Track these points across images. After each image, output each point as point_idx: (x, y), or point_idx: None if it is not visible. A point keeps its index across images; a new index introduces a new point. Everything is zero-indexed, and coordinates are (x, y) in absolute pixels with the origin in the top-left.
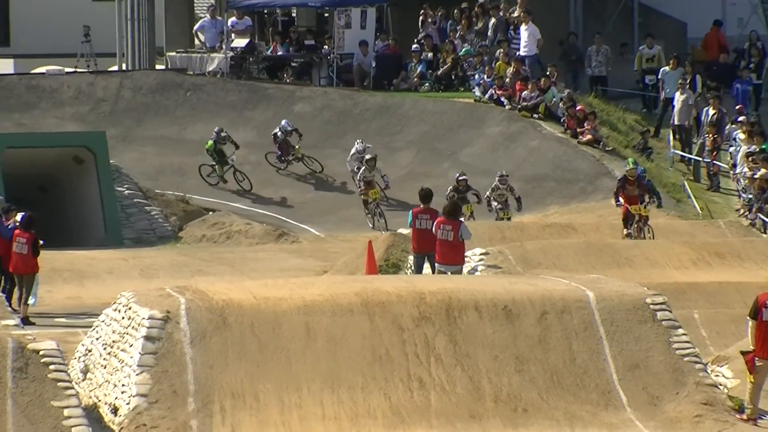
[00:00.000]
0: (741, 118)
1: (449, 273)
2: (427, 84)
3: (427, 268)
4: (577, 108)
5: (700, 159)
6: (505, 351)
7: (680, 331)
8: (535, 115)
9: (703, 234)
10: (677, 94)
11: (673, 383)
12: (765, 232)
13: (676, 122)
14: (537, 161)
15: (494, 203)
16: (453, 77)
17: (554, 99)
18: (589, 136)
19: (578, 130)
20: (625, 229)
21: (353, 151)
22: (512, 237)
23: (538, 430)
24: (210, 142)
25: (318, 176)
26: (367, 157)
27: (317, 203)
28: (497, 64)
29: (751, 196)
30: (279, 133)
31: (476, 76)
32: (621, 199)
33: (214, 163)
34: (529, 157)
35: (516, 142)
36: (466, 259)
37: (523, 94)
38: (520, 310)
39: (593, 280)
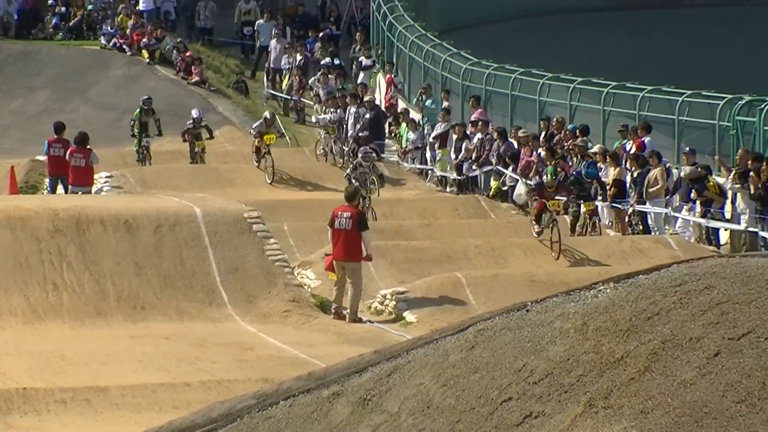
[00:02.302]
0: (324, 61)
1: (80, 193)
2: (60, 33)
3: (61, 189)
4: (187, 54)
5: (289, 97)
6: (126, 258)
7: (272, 240)
8: (152, 60)
9: (292, 160)
10: (273, 42)
11: (266, 284)
12: (343, 159)
13: (270, 66)
14: (154, 99)
15: (354, 182)
16: (83, 28)
17: (168, 47)
18: (196, 78)
19: (187, 73)
20: (537, 225)
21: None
22: (132, 163)
23: (154, 324)
24: (137, 111)
25: None
26: (266, 115)
27: None
28: (120, 17)
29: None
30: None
31: (103, 27)
32: (536, 196)
33: (134, 132)
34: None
35: (136, 83)
36: (94, 181)
37: (142, 42)
38: (138, 223)
39: (200, 198)
